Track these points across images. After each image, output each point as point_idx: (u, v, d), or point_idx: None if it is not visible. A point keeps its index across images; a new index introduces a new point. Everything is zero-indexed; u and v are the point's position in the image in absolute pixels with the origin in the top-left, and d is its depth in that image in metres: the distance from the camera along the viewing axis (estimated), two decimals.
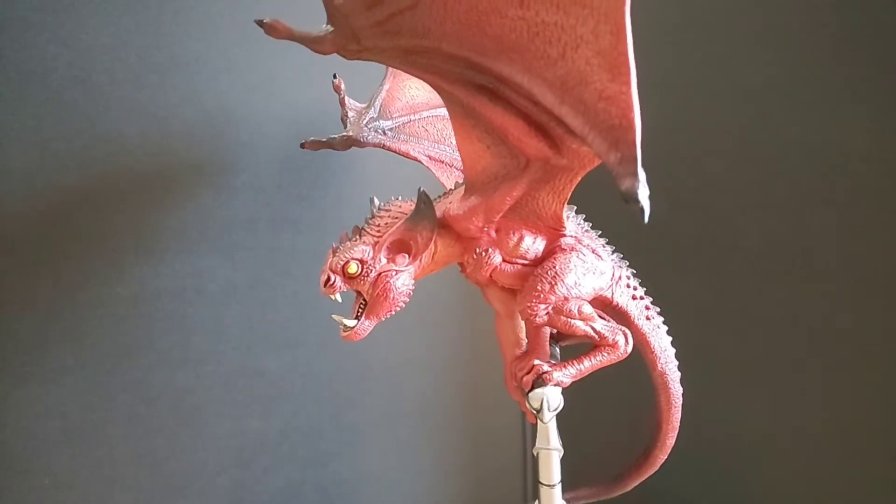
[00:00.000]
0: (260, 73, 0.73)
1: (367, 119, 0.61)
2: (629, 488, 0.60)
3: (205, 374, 0.72)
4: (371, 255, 0.48)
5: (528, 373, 0.50)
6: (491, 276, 0.51)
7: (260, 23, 0.37)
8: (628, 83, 0.32)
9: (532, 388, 0.49)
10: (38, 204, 0.62)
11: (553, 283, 0.48)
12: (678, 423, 0.55)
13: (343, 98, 0.61)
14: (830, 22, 0.66)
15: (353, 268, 0.48)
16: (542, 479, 0.55)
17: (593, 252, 0.50)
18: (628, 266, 0.53)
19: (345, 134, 0.61)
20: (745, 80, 0.74)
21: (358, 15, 0.36)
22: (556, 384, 0.49)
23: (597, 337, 0.49)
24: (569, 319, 0.48)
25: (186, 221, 0.71)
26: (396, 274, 0.48)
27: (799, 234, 0.70)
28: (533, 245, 0.50)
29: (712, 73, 0.77)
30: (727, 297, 0.76)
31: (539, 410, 0.49)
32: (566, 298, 0.48)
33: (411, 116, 0.61)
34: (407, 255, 0.49)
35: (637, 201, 0.33)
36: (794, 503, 0.72)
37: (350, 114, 0.62)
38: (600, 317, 0.50)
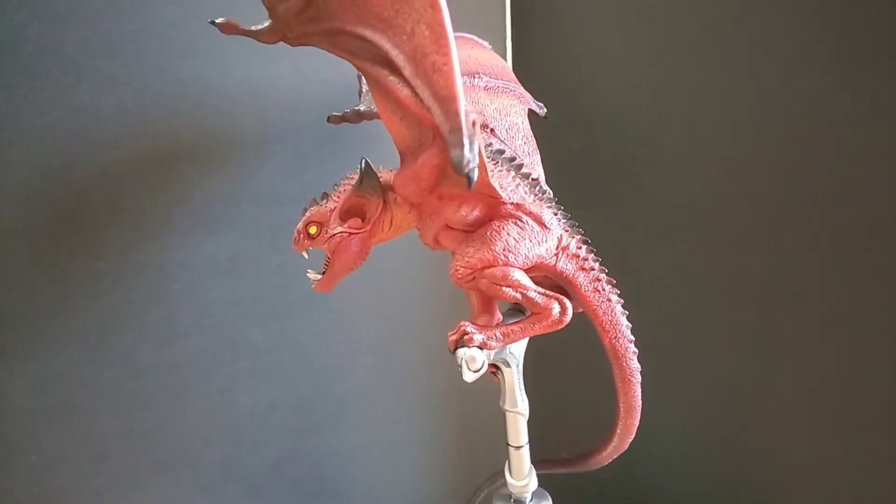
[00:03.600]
0: (237, 42, 0.72)
1: None
2: (594, 468, 0.58)
3: (191, 348, 0.72)
4: (328, 218, 0.53)
5: (454, 333, 0.50)
6: (438, 240, 0.53)
7: (213, 22, 0.45)
8: (448, 54, 0.36)
9: (456, 349, 0.50)
10: (12, 178, 0.63)
11: (479, 248, 0.49)
12: (638, 403, 0.53)
13: (360, 74, 0.63)
14: None
15: (313, 229, 0.54)
16: (509, 441, 0.54)
17: (536, 220, 0.50)
18: (582, 235, 0.52)
19: (357, 107, 0.63)
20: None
21: (283, 6, 0.43)
22: (480, 346, 0.49)
23: (528, 304, 0.49)
24: (495, 284, 0.48)
25: (167, 195, 0.71)
26: (350, 236, 0.53)
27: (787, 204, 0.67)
28: (472, 212, 0.50)
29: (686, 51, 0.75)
30: (714, 268, 0.74)
31: (461, 369, 0.49)
32: (492, 264, 0.48)
33: None
34: (360, 220, 0.53)
35: (463, 170, 0.37)
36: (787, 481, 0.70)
37: (364, 88, 0.64)
38: (540, 284, 0.50)
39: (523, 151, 0.57)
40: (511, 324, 0.50)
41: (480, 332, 0.49)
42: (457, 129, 0.37)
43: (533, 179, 0.51)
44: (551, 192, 0.53)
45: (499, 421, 0.55)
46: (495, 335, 0.49)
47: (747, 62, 0.69)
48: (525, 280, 0.49)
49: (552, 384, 0.60)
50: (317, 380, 0.81)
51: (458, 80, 0.37)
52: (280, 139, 0.75)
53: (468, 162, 0.37)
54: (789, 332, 0.67)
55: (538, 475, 0.56)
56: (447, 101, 0.37)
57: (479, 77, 0.57)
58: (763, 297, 0.69)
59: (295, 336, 0.79)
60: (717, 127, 0.72)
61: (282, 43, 0.50)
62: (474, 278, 0.49)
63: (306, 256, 0.56)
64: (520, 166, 0.51)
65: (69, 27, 0.64)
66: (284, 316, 0.78)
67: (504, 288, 0.48)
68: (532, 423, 0.55)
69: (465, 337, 0.49)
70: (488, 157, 0.50)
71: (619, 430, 0.54)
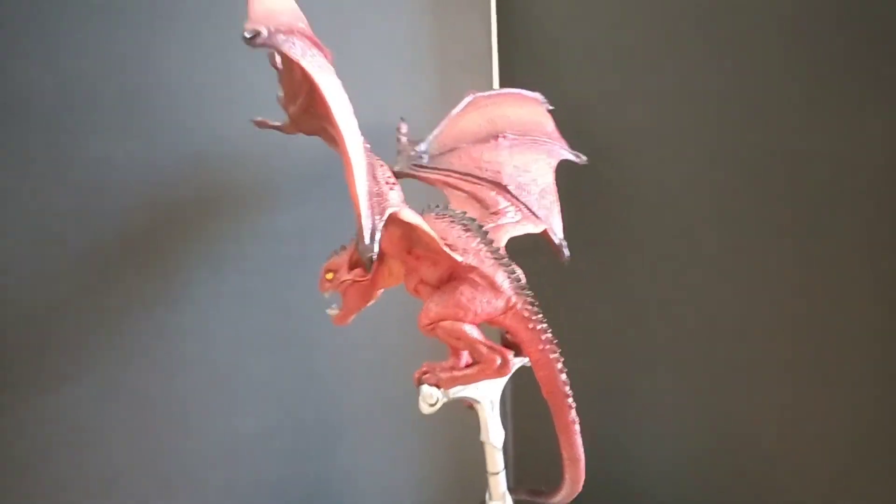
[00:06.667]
0: (240, 93, 0.77)
1: (414, 152, 0.69)
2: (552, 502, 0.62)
3: (195, 378, 0.77)
4: (340, 266, 0.62)
5: (418, 371, 0.60)
6: (417, 291, 0.61)
7: (253, 121, 0.60)
8: (350, 174, 0.49)
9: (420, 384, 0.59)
10: (32, 222, 0.67)
11: (438, 303, 0.57)
12: (579, 454, 0.57)
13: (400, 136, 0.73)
14: None
15: (329, 276, 0.63)
16: (487, 467, 0.59)
17: (489, 282, 0.56)
18: (529, 297, 0.57)
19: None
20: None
21: (291, 107, 0.56)
22: (435, 384, 0.58)
23: (474, 354, 0.57)
24: (448, 336, 0.56)
25: (175, 235, 0.76)
26: (355, 284, 0.62)
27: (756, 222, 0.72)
28: (438, 271, 0.58)
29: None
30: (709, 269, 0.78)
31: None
32: (446, 318, 0.56)
33: (452, 146, 0.69)
34: (363, 270, 0.61)
35: (363, 256, 0.50)
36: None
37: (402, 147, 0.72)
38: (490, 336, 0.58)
39: (539, 205, 0.65)
40: (464, 368, 0.58)
41: (438, 372, 0.58)
42: (359, 227, 0.49)
43: (494, 245, 0.58)
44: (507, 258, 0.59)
45: None
46: (449, 377, 0.57)
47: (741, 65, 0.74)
48: (474, 333, 0.56)
49: (531, 417, 0.66)
50: (314, 406, 0.85)
51: (360, 189, 0.49)
52: (281, 182, 0.81)
53: (364, 252, 0.49)
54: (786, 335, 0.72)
55: (516, 500, 0.61)
56: (354, 204, 0.49)
57: (504, 137, 0.67)
58: (756, 301, 0.74)
59: (293, 366, 0.83)
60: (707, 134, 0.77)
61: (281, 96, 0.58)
62: (433, 328, 0.57)
63: (327, 296, 0.64)
64: (486, 233, 0.58)
65: (82, 81, 0.69)
66: (283, 347, 0.82)
67: (457, 340, 0.56)
68: (514, 453, 0.60)
69: (425, 376, 0.59)
70: (461, 224, 0.58)
71: (567, 479, 0.59)
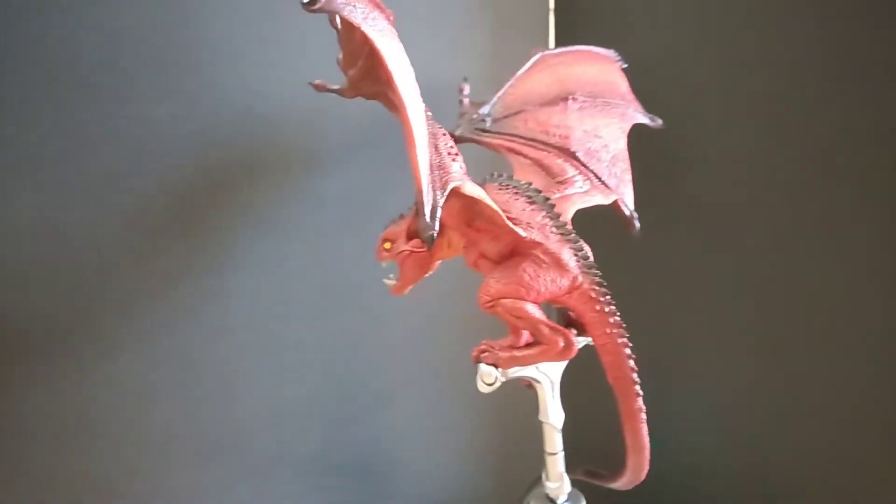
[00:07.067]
0: (283, 53, 0.75)
1: (476, 116, 0.66)
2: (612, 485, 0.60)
3: (242, 342, 0.77)
4: (398, 236, 0.60)
5: (476, 349, 0.57)
6: (477, 265, 0.58)
7: (311, 84, 0.56)
8: (412, 147, 0.46)
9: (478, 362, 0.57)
10: (78, 185, 0.67)
11: (499, 280, 0.54)
12: (645, 442, 0.54)
13: (462, 98, 0.70)
14: None
15: (387, 245, 0.61)
16: (545, 447, 0.58)
17: (554, 259, 0.53)
18: (597, 277, 0.54)
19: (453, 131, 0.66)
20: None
21: (350, 70, 0.53)
22: (492, 363, 0.55)
23: (536, 335, 0.54)
24: (509, 315, 0.53)
25: (220, 199, 0.75)
26: (412, 255, 0.59)
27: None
28: (500, 245, 0.55)
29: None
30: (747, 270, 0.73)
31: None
32: (508, 296, 0.53)
33: (517, 109, 0.65)
34: (421, 241, 0.58)
35: (421, 235, 0.47)
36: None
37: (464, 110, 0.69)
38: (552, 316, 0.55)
39: (609, 174, 0.61)
40: (524, 348, 0.56)
41: (498, 352, 0.56)
42: (420, 203, 0.47)
43: (560, 219, 0.54)
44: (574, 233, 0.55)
45: (535, 407, 0.59)
46: (508, 357, 0.55)
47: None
48: (536, 313, 0.53)
49: (591, 397, 0.63)
50: (359, 372, 0.85)
51: (421, 164, 0.46)
52: (325, 145, 0.78)
53: (424, 230, 0.47)
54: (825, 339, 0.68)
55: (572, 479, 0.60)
56: (415, 178, 0.46)
57: (574, 99, 0.62)
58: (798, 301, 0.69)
59: (339, 331, 0.82)
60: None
61: (327, 57, 0.55)
62: (493, 306, 0.54)
63: (384, 266, 0.62)
64: (552, 206, 0.55)
65: (123, 42, 0.67)
66: (329, 312, 0.81)
67: (517, 319, 0.53)
68: (573, 432, 0.59)
69: (483, 354, 0.56)
70: (525, 197, 0.55)
71: (629, 466, 0.56)
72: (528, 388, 0.58)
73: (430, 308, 0.87)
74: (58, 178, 0.66)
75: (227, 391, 0.77)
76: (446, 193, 0.48)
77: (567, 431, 0.59)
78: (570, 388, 0.60)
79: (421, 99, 0.48)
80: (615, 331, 0.53)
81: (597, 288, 0.53)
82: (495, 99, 0.65)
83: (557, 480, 0.58)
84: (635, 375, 0.53)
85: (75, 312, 0.69)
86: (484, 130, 0.65)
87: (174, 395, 0.74)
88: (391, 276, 0.62)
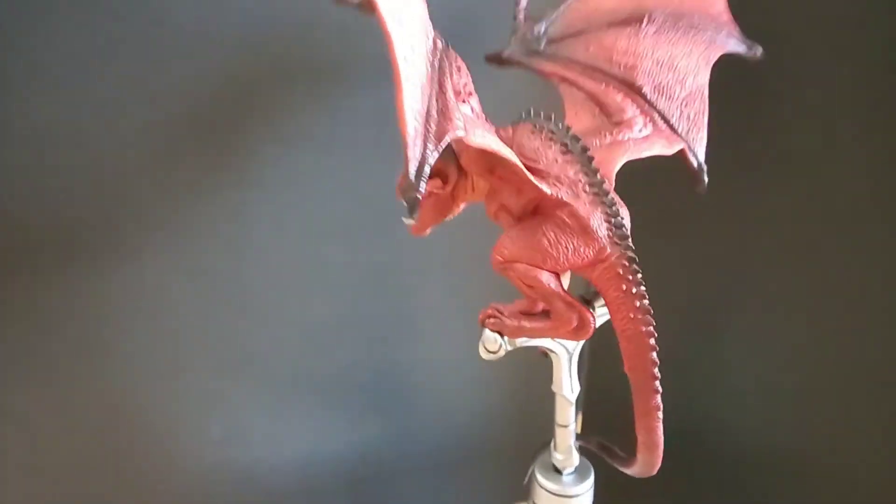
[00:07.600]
0: None
1: (531, 35, 0.56)
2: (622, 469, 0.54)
3: (267, 261, 0.75)
4: None
5: (483, 311, 0.52)
6: (497, 216, 0.51)
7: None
8: (397, 83, 0.37)
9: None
10: (95, 91, 0.64)
11: (515, 241, 0.47)
12: (659, 441, 0.47)
13: (518, 11, 0.57)
14: None
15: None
16: (556, 419, 0.54)
17: (582, 224, 0.45)
18: (630, 251, 0.45)
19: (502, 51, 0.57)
20: None
21: None
22: (497, 331, 0.50)
23: (550, 308, 0.48)
24: (522, 282, 0.47)
25: (245, 110, 0.70)
26: (433, 195, 0.52)
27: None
28: (523, 200, 0.48)
29: None
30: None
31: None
32: (521, 261, 0.46)
33: (580, 29, 0.54)
34: (442, 182, 0.51)
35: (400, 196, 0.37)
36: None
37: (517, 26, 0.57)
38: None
39: (680, 116, 0.51)
40: (535, 318, 0.49)
41: (505, 318, 0.50)
42: (405, 158, 0.37)
43: (598, 175, 0.46)
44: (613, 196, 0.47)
45: None
46: (515, 326, 0.50)
47: None
48: (552, 284, 0.46)
49: (607, 366, 0.58)
50: (388, 296, 0.82)
51: (407, 110, 0.36)
52: (357, 57, 0.72)
53: (406, 190, 0.37)
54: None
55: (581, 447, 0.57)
56: (400, 128, 0.37)
57: (651, 19, 0.51)
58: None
59: (368, 253, 0.79)
60: None
61: None
62: (505, 269, 0.47)
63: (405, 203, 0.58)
64: (590, 158, 0.45)
65: None
66: (359, 233, 0.78)
67: (527, 287, 0.47)
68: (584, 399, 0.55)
69: (489, 319, 0.51)
70: (560, 144, 0.46)
71: (639, 462, 0.50)
72: (543, 357, 0.54)
73: (463, 234, 0.82)
74: (77, 82, 0.63)
75: (247, 308, 0.76)
76: (441, 146, 0.38)
77: (589, 398, 0.55)
78: (594, 351, 0.55)
79: (423, 23, 0.40)
80: (640, 317, 0.45)
81: (626, 264, 0.45)
82: (555, 15, 0.54)
83: (566, 454, 0.55)
84: (656, 370, 0.45)
85: (96, 218, 0.68)
86: (537, 53, 0.55)
87: (191, 310, 0.73)
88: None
